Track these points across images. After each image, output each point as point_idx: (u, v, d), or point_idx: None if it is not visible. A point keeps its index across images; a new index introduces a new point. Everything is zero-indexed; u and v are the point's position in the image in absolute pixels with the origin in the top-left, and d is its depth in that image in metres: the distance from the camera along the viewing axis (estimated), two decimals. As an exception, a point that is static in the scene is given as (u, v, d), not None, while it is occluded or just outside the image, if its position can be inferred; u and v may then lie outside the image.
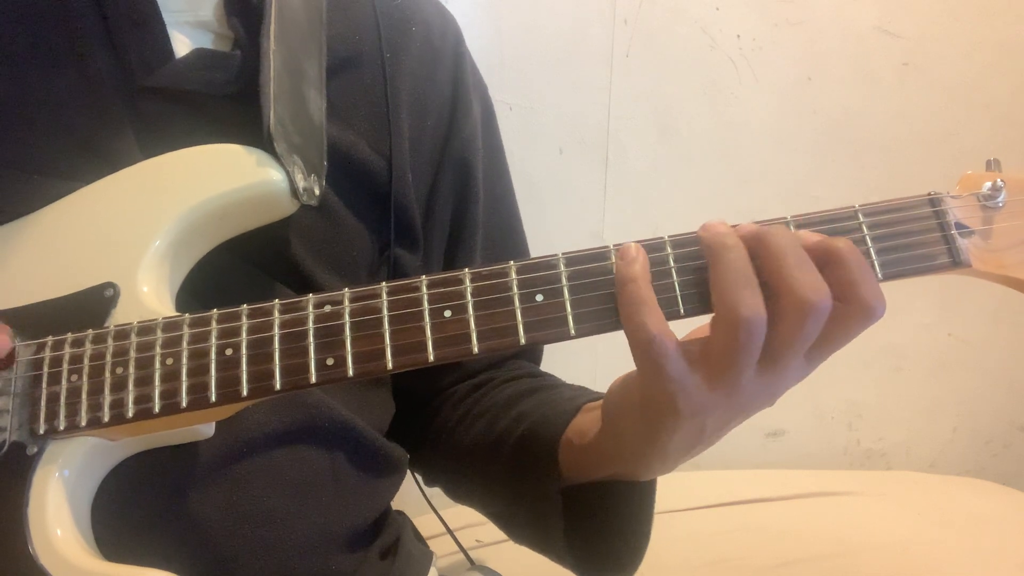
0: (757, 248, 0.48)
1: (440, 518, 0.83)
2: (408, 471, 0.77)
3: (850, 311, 0.48)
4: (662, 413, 0.50)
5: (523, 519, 0.66)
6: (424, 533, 0.81)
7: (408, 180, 0.71)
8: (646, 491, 0.60)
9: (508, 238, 0.80)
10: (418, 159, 0.72)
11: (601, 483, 0.60)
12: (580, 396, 0.65)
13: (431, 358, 0.50)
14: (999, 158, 0.55)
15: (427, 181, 0.74)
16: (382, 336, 0.50)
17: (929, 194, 0.53)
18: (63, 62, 0.61)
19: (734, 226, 0.50)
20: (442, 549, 0.84)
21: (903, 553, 0.99)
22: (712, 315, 0.49)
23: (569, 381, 0.74)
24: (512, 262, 0.51)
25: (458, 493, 0.77)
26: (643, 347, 0.48)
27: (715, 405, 0.50)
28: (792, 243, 0.48)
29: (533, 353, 0.80)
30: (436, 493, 0.82)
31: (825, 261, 0.48)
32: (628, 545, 0.61)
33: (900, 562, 0.98)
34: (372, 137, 0.69)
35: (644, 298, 0.48)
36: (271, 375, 0.50)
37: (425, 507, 0.84)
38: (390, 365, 0.50)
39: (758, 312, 0.46)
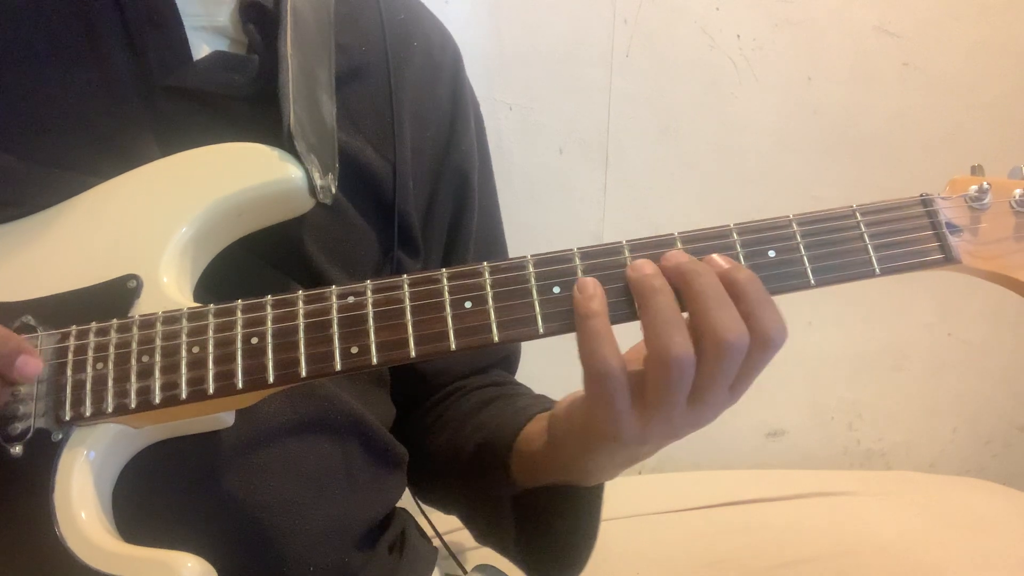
0: (680, 286, 0.51)
1: (429, 521, 0.84)
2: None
3: (753, 342, 0.50)
4: (603, 439, 0.54)
5: (482, 522, 0.70)
6: (423, 533, 0.81)
7: (410, 187, 0.73)
8: (592, 495, 0.63)
9: (493, 248, 0.83)
10: (419, 168, 0.74)
11: (549, 488, 0.63)
12: (533, 406, 0.67)
13: (453, 346, 0.52)
14: (998, 157, 0.58)
15: (427, 190, 0.76)
16: (405, 326, 0.52)
17: (921, 195, 0.56)
18: (83, 60, 0.62)
19: (662, 254, 0.52)
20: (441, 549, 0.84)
21: (903, 553, 0.99)
22: (646, 353, 0.51)
23: (568, 382, 0.75)
24: (529, 256, 0.53)
25: (427, 497, 0.80)
26: (600, 379, 0.50)
27: (650, 435, 0.53)
28: (713, 284, 0.50)
29: (508, 362, 0.83)
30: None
31: (731, 293, 0.50)
32: (572, 546, 0.64)
33: (900, 562, 0.98)
34: (378, 144, 0.71)
35: (605, 334, 0.50)
36: (297, 363, 0.52)
37: (424, 508, 0.84)
38: (413, 353, 0.52)
39: (687, 352, 0.49)
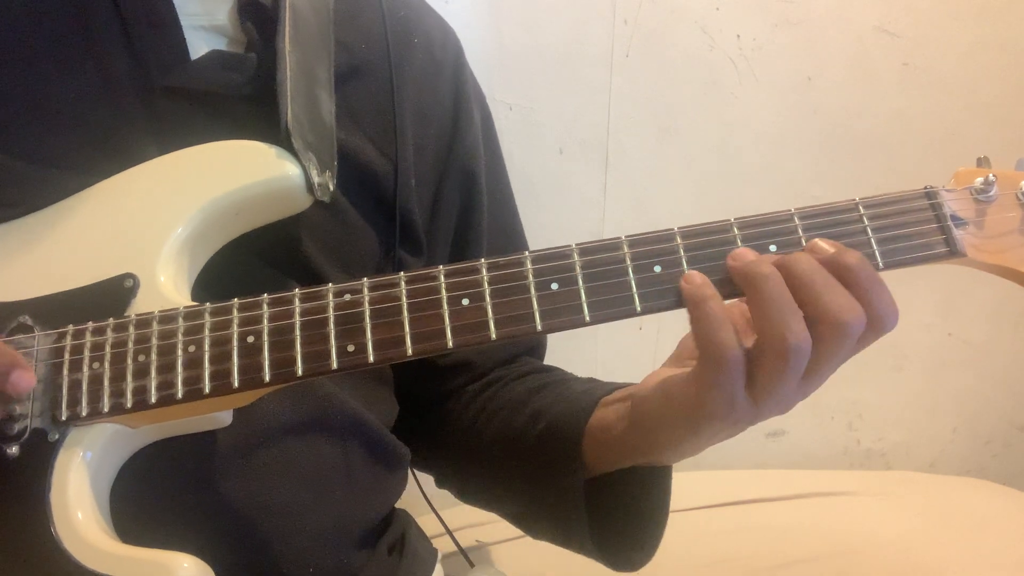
0: (784, 275, 0.50)
1: (440, 518, 0.83)
2: (408, 471, 0.78)
3: (867, 324, 0.50)
4: (712, 421, 0.52)
5: (545, 513, 0.68)
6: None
7: (412, 186, 0.73)
8: (668, 473, 0.63)
9: (511, 243, 0.82)
10: (422, 166, 0.74)
11: (628, 470, 0.62)
12: (594, 389, 0.66)
13: (450, 344, 0.51)
14: (998, 157, 0.57)
15: (431, 188, 0.75)
16: (401, 324, 0.52)
17: (925, 188, 0.55)
18: (81, 61, 0.62)
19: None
20: (441, 550, 0.84)
21: (903, 553, 0.99)
22: (756, 339, 0.50)
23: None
24: (527, 252, 0.53)
25: (470, 493, 0.78)
26: (719, 364, 0.50)
27: (758, 415, 0.52)
28: (816, 267, 0.50)
29: (537, 349, 0.81)
30: (436, 494, 0.82)
31: (842, 278, 0.50)
32: (654, 526, 0.63)
33: (900, 562, 0.97)
34: (379, 142, 0.71)
35: (723, 317, 0.50)
36: (293, 361, 0.52)
37: (424, 508, 0.84)
38: (410, 351, 0.51)
39: (806, 339, 0.49)
